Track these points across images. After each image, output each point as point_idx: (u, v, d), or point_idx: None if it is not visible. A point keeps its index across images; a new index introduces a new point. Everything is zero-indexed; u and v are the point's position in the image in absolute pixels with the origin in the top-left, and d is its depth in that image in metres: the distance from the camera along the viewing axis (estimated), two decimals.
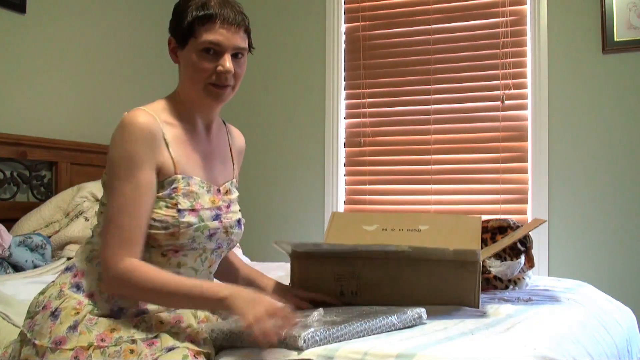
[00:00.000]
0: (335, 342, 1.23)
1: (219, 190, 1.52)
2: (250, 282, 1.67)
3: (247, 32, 1.48)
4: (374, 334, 1.29)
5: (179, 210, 1.39)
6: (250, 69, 3.77)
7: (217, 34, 1.42)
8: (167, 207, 1.40)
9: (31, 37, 2.89)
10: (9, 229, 2.45)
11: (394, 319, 1.33)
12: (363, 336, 1.27)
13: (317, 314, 1.34)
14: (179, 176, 1.43)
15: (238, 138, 1.72)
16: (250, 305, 1.24)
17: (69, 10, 3.09)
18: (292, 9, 3.73)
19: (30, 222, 2.55)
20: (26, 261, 2.33)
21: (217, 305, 1.33)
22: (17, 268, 2.32)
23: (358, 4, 3.58)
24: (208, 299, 1.31)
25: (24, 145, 2.71)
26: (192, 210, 1.42)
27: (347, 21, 3.61)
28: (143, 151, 1.37)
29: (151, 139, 1.39)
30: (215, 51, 1.43)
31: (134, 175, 1.36)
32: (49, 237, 2.50)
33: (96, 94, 3.21)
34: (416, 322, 1.37)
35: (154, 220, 1.39)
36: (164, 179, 1.42)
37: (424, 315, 1.39)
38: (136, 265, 1.34)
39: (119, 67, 3.36)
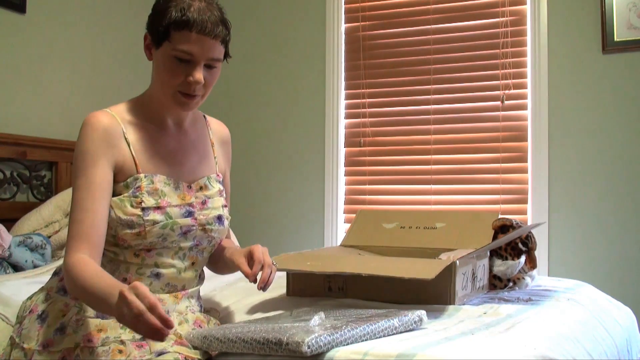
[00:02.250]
0: (339, 346, 1.22)
1: (189, 187, 1.50)
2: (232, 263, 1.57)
3: (224, 42, 1.43)
4: (376, 337, 1.29)
5: (143, 209, 1.39)
6: (250, 68, 3.80)
7: (191, 44, 1.38)
8: (132, 206, 1.39)
9: (31, 37, 2.89)
10: (8, 229, 2.45)
11: (395, 322, 1.33)
12: (366, 340, 1.27)
13: (317, 318, 1.34)
14: (142, 175, 1.43)
15: (220, 130, 1.67)
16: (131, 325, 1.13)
17: (69, 10, 3.09)
18: (292, 9, 3.73)
19: (30, 222, 2.55)
20: (26, 261, 2.33)
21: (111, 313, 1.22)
22: (17, 268, 2.32)
23: (358, 4, 3.58)
24: (108, 309, 1.20)
25: (24, 145, 2.71)
26: (158, 207, 1.41)
27: (347, 21, 3.61)
28: (97, 148, 1.38)
29: (107, 137, 1.40)
30: (188, 60, 1.39)
31: (88, 172, 1.37)
32: (49, 237, 2.50)
33: (96, 94, 3.21)
34: (417, 326, 1.37)
35: (121, 220, 1.38)
36: (126, 178, 1.42)
37: (425, 318, 1.39)
38: (79, 261, 1.28)
39: (119, 67, 3.36)
